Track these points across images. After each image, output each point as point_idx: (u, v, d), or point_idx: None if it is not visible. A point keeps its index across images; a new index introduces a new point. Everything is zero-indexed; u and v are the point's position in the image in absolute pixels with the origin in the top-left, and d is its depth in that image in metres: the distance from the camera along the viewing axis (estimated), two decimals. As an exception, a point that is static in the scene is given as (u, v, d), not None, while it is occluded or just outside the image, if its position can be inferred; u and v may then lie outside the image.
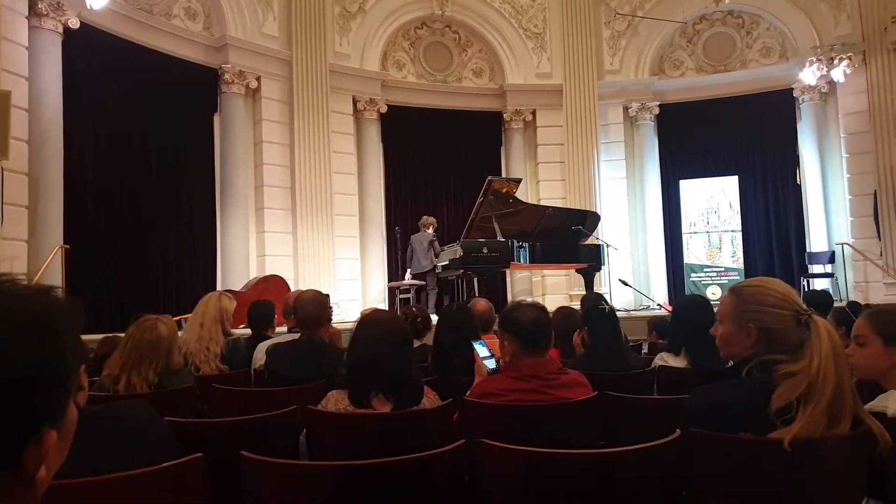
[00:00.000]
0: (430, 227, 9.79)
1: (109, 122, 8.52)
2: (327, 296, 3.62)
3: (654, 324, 5.89)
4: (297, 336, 3.41)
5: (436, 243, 9.52)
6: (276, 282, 8.92)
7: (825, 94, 11.17)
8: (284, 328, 4.28)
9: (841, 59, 10.44)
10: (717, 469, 1.64)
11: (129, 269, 8.60)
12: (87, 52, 8.06)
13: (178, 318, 5.48)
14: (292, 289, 8.55)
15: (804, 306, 1.64)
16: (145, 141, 8.91)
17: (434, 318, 4.26)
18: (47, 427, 0.69)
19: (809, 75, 10.65)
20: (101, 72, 8.39)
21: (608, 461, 1.64)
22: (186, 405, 2.76)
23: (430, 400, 2.27)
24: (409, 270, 9.74)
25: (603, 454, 1.66)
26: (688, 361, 3.06)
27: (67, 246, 7.38)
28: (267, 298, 4.90)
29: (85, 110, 8.18)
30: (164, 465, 1.45)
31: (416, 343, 3.61)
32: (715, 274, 11.82)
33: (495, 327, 3.47)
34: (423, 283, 9.34)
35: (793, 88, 11.38)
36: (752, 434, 1.59)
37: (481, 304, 3.90)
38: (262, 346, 3.68)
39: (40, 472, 0.69)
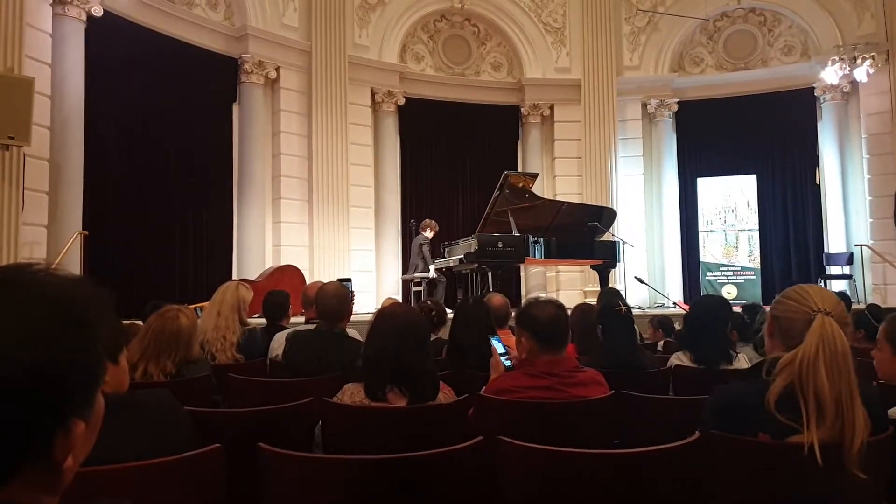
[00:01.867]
0: (427, 230, 9.65)
1: (130, 109, 8.57)
2: (349, 280, 3.59)
3: (659, 322, 5.85)
4: (314, 326, 3.41)
5: (425, 248, 9.45)
6: (292, 272, 8.95)
7: (847, 94, 11.02)
8: (301, 319, 4.29)
9: (864, 59, 10.29)
10: (736, 471, 1.63)
11: (147, 256, 8.66)
12: (110, 39, 8.09)
13: (193, 306, 5.51)
14: (308, 279, 8.59)
15: (820, 306, 1.61)
16: (165, 129, 8.95)
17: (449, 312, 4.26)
18: (76, 417, 0.70)
19: (831, 74, 10.50)
20: (123, 60, 8.43)
21: (631, 462, 1.63)
22: (202, 394, 2.77)
23: (445, 395, 2.26)
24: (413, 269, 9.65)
25: (626, 454, 1.64)
26: (690, 359, 3.13)
27: (86, 232, 7.44)
28: (282, 288, 4.92)
29: (106, 98, 8.23)
30: (184, 454, 1.46)
31: (431, 337, 3.61)
32: (731, 273, 11.72)
33: (511, 323, 3.46)
34: (434, 276, 9.32)
35: (814, 87, 11.24)
36: (771, 435, 1.58)
37: (497, 298, 3.89)
38: (279, 336, 3.70)
39: (67, 461, 0.69)
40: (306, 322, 3.96)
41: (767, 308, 1.88)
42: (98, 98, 8.02)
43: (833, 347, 1.55)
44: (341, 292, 3.32)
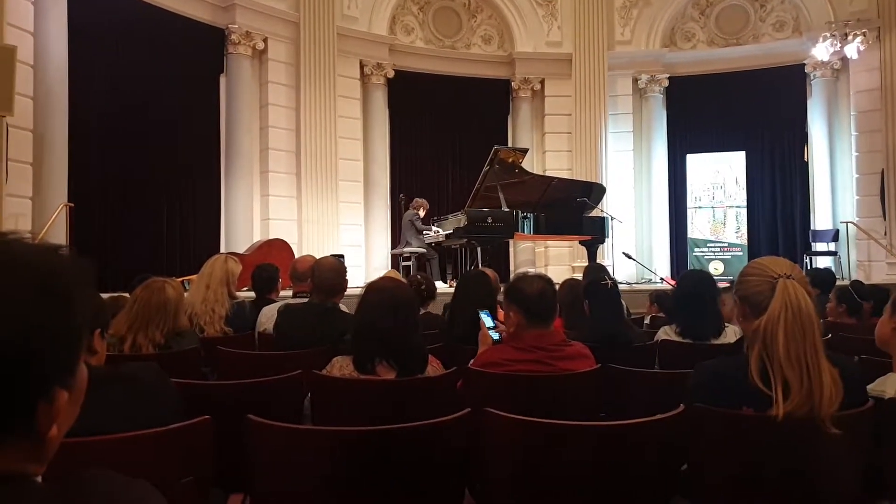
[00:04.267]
0: (419, 209, 9.51)
1: (115, 80, 8.45)
2: (342, 256, 3.59)
3: (656, 297, 5.88)
4: (306, 300, 3.41)
5: (417, 221, 9.31)
6: (280, 246, 8.92)
7: (837, 71, 11.01)
8: (289, 292, 4.29)
9: (855, 36, 10.25)
10: (721, 444, 1.65)
11: (134, 229, 8.61)
12: (93, 8, 7.93)
13: (181, 279, 5.49)
14: (296, 253, 8.57)
15: (780, 272, 1.63)
16: (150, 100, 8.84)
17: (439, 284, 4.27)
18: (58, 387, 0.69)
19: (822, 51, 10.47)
20: (107, 29, 8.28)
21: (616, 433, 1.65)
22: (191, 367, 2.77)
23: (434, 368, 2.28)
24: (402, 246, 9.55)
25: (611, 426, 1.66)
26: (677, 333, 3.16)
27: (72, 204, 7.37)
28: (270, 262, 4.90)
29: (90, 68, 8.10)
30: (172, 426, 1.46)
31: (420, 311, 3.61)
32: (718, 249, 11.79)
33: (500, 297, 3.48)
34: (424, 251, 9.30)
35: (805, 64, 11.21)
36: (754, 408, 1.60)
37: (487, 273, 3.89)
38: (268, 310, 3.70)
39: (51, 431, 0.69)
40: (294, 296, 3.95)
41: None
42: (82, 68, 7.88)
43: (797, 308, 1.57)
44: (338, 267, 3.31)
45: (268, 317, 3.61)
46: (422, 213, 9.51)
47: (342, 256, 7.55)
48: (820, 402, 1.51)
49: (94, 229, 8.10)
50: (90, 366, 0.77)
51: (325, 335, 2.97)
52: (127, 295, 3.34)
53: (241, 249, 8.79)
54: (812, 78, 11.26)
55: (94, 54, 8.16)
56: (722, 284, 3.56)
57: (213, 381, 2.91)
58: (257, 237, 9.58)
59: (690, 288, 3.23)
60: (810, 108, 11.37)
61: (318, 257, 3.74)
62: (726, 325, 3.15)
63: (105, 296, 3.92)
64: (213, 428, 1.57)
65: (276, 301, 4.07)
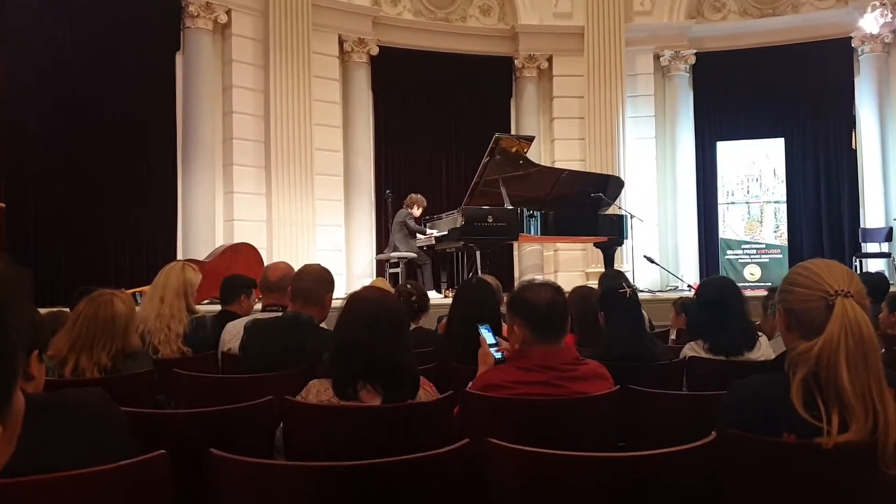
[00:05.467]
0: (413, 207, 9.45)
1: (54, 61, 8.44)
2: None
3: (682, 306, 5.88)
4: (279, 314, 3.41)
5: (410, 221, 9.27)
6: (247, 251, 8.92)
7: (888, 45, 11.10)
8: (258, 305, 4.29)
9: (909, 4, 10.33)
10: (758, 475, 1.65)
11: (76, 231, 8.59)
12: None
13: (132, 290, 5.48)
14: (266, 259, 8.58)
15: (836, 287, 1.63)
16: (96, 83, 8.82)
17: (433, 294, 4.28)
18: (-10, 419, 0.69)
19: (871, 22, 10.51)
20: (43, 1, 8.27)
21: (638, 466, 1.65)
22: (144, 393, 2.77)
23: (426, 392, 2.28)
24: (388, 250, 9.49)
25: (633, 458, 1.67)
26: (705, 349, 3.19)
27: (3, 204, 7.33)
28: (236, 270, 4.91)
29: (23, 47, 8.09)
30: (122, 462, 1.46)
31: (411, 326, 3.62)
32: (754, 251, 11.83)
33: (502, 309, 3.48)
34: (414, 256, 9.29)
35: (851, 37, 11.28)
36: (797, 435, 1.60)
37: (489, 282, 3.90)
38: (232, 326, 3.69)
39: (-18, 470, 0.69)
40: (265, 309, 3.95)
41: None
42: (13, 47, 7.89)
43: (858, 334, 1.57)
44: (323, 276, 3.28)
45: (232, 334, 3.60)
46: (417, 213, 9.45)
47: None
48: (885, 440, 1.52)
49: (30, 233, 8.08)
50: (27, 393, 0.77)
51: (298, 354, 2.97)
52: (68, 310, 3.34)
53: (201, 256, 8.79)
54: (860, 53, 11.34)
55: (28, 31, 8.15)
56: (759, 292, 3.59)
57: (169, 409, 2.90)
58: (220, 241, 9.57)
59: (714, 294, 3.26)
60: (858, 88, 11.44)
61: (291, 264, 3.74)
62: (759, 334, 3.17)
63: (43, 311, 3.91)
64: (169, 464, 1.57)
65: (240, 315, 4.07)
